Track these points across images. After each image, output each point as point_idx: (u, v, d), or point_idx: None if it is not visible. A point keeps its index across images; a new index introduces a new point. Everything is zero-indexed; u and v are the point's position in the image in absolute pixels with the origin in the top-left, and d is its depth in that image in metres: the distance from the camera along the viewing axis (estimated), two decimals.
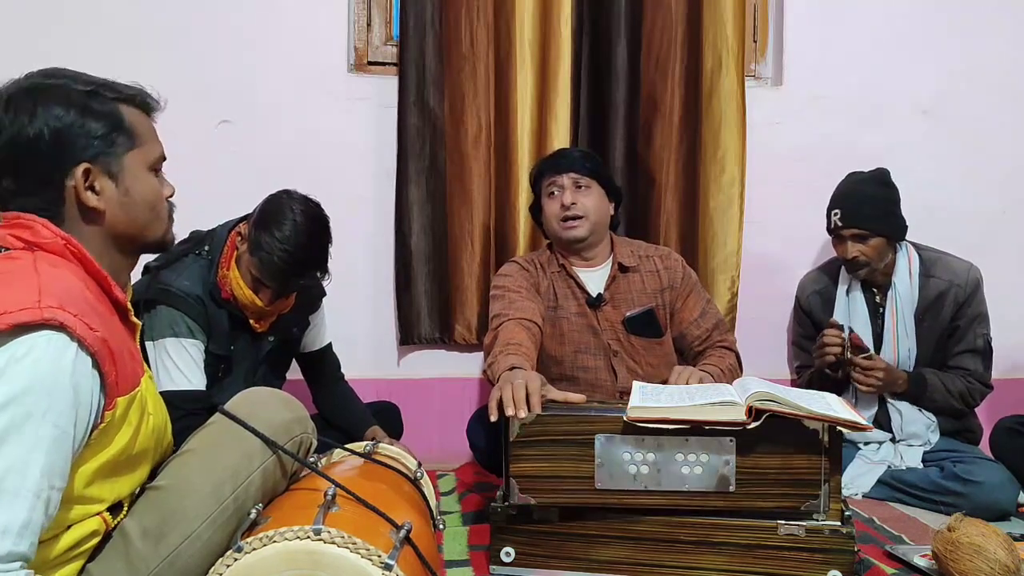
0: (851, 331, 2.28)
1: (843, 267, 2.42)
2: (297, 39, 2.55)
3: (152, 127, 1.26)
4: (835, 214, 2.34)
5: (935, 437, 2.30)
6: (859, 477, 2.27)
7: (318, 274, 1.97)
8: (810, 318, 2.53)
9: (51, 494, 1.01)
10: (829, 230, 2.38)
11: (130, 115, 1.21)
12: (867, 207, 2.30)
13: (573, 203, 2.14)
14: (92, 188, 1.17)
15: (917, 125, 2.76)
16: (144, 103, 1.25)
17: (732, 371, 2.10)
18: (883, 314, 2.37)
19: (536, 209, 2.29)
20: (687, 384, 1.84)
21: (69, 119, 1.14)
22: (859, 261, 2.31)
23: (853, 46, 2.75)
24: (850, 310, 2.40)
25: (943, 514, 2.01)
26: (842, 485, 1.59)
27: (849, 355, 2.26)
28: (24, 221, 1.14)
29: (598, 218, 2.18)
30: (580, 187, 2.16)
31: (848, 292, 2.41)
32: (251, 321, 1.99)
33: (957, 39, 2.77)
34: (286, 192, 1.96)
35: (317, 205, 1.96)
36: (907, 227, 2.36)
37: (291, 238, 1.87)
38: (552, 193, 2.18)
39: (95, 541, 1.16)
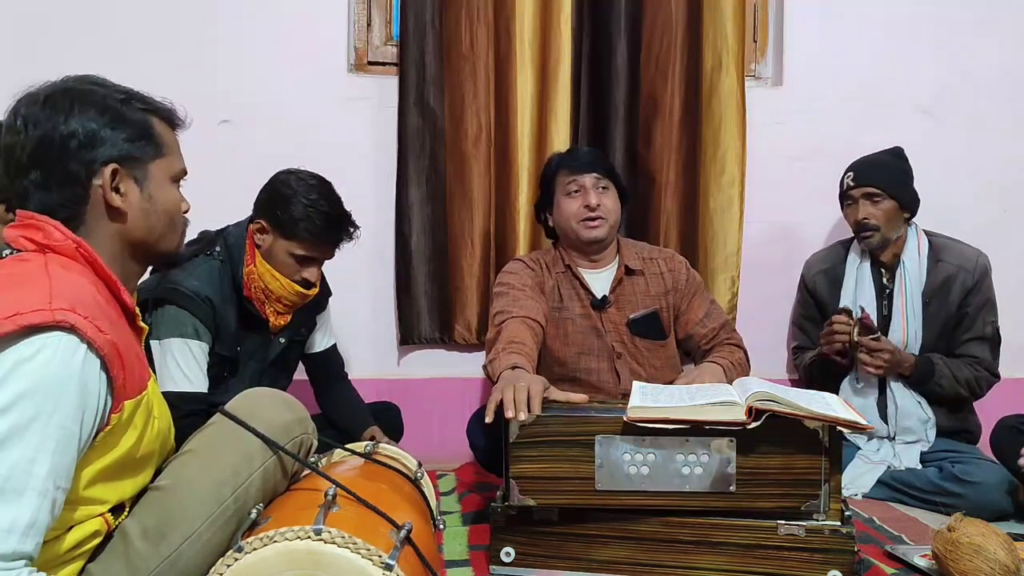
0: (863, 310, 2.28)
1: (852, 245, 2.42)
2: (297, 39, 2.55)
3: (177, 142, 1.30)
4: (848, 176, 2.36)
5: (932, 434, 2.30)
6: (859, 477, 2.27)
7: (352, 229, 2.00)
8: (814, 298, 2.53)
9: (56, 494, 1.01)
10: (841, 195, 2.38)
11: (158, 126, 1.25)
12: (880, 169, 2.33)
13: (599, 204, 2.13)
14: (117, 189, 1.19)
15: (917, 125, 2.76)
16: (171, 118, 1.28)
17: (741, 365, 2.10)
18: (890, 295, 2.37)
19: (543, 206, 2.28)
20: (697, 384, 1.84)
21: (103, 121, 1.18)
22: (868, 224, 2.31)
23: (853, 46, 2.75)
24: (857, 288, 2.40)
25: (943, 514, 2.01)
26: (842, 485, 1.59)
27: (857, 336, 2.24)
28: (36, 223, 1.15)
29: (615, 219, 2.19)
30: (600, 188, 2.16)
31: (857, 269, 2.41)
32: (271, 319, 2.01)
33: (957, 39, 2.77)
34: (281, 171, 1.99)
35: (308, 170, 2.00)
36: (919, 202, 2.36)
37: (320, 199, 1.93)
38: (573, 192, 2.17)
39: (96, 542, 1.16)
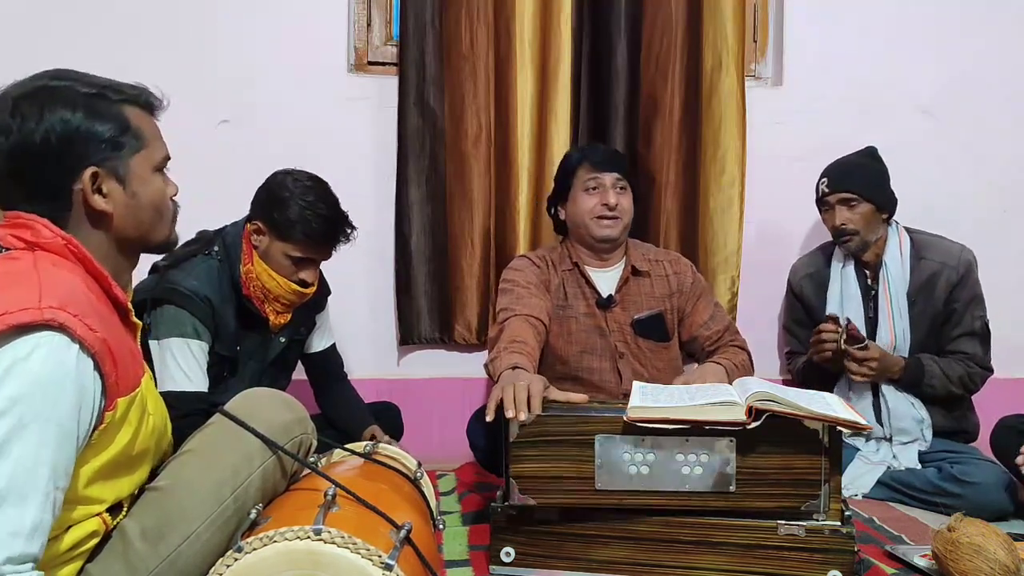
0: (848, 321, 2.28)
1: (835, 249, 2.43)
2: (297, 39, 2.55)
3: (156, 127, 1.26)
4: (822, 182, 2.37)
5: (929, 434, 2.30)
6: (859, 478, 2.27)
7: (349, 230, 2.00)
8: (801, 302, 2.53)
9: (57, 494, 1.01)
10: (817, 201, 2.39)
11: (135, 117, 1.21)
12: (854, 172, 2.33)
13: (616, 204, 2.14)
14: (99, 191, 1.17)
15: (917, 125, 2.76)
16: (148, 103, 1.24)
17: (744, 367, 2.10)
18: (875, 296, 2.37)
19: (556, 198, 2.27)
20: (698, 383, 1.84)
21: (76, 123, 1.14)
22: (846, 229, 2.31)
23: (853, 46, 2.75)
24: (843, 291, 2.40)
25: (943, 514, 2.01)
26: (842, 486, 1.59)
27: (844, 345, 2.25)
28: (25, 221, 1.14)
29: (629, 220, 2.20)
30: (619, 188, 2.17)
31: (841, 272, 2.41)
32: (271, 317, 2.00)
33: (957, 39, 2.77)
34: (278, 172, 1.99)
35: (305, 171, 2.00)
36: (897, 201, 2.36)
37: (317, 201, 1.92)
38: (592, 188, 2.17)
39: (94, 542, 1.16)
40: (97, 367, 1.07)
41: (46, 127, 1.12)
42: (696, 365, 2.24)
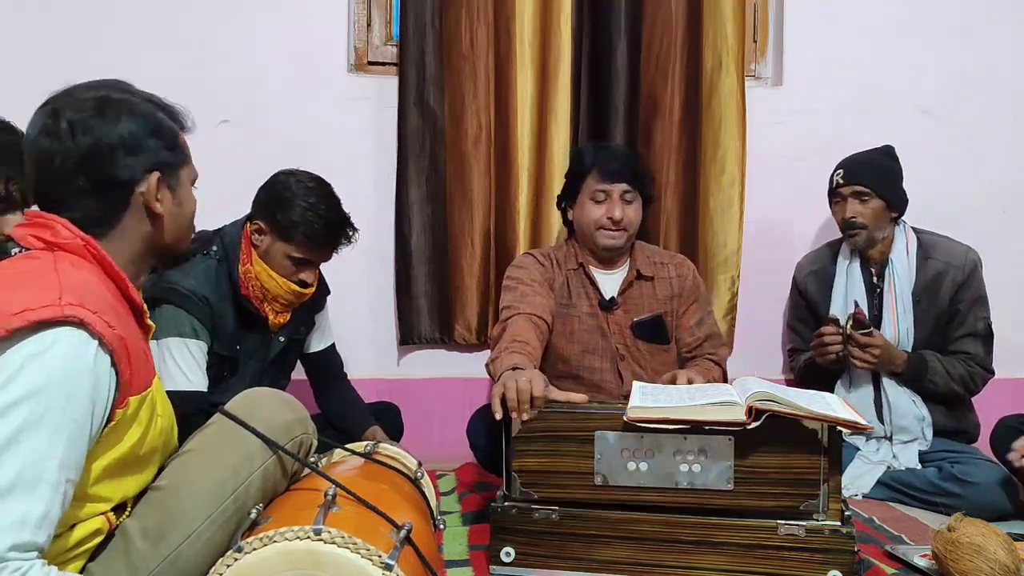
0: (856, 305, 2.28)
1: (841, 246, 2.43)
2: (297, 39, 2.55)
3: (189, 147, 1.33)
4: (837, 173, 2.37)
5: (929, 432, 2.30)
6: (859, 478, 2.27)
7: (351, 232, 2.00)
8: (805, 299, 2.54)
9: (67, 487, 1.02)
10: (829, 192, 2.40)
11: (180, 134, 1.29)
12: (870, 168, 2.34)
13: (622, 217, 2.14)
14: (156, 196, 1.22)
15: (917, 125, 2.77)
16: (183, 124, 1.31)
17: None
18: (880, 293, 2.38)
19: (565, 196, 2.26)
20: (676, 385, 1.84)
21: (146, 130, 1.21)
22: (856, 222, 2.32)
23: (853, 46, 2.75)
24: (848, 288, 2.40)
25: (943, 514, 2.01)
26: (842, 486, 1.59)
27: (850, 330, 2.25)
28: (45, 221, 1.16)
29: (635, 230, 2.20)
30: (626, 199, 2.16)
31: (847, 269, 2.41)
32: (270, 317, 2.00)
33: (957, 39, 2.77)
34: (281, 172, 1.99)
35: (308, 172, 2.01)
36: (907, 201, 2.37)
37: (319, 203, 1.93)
38: (599, 199, 2.16)
39: (97, 540, 1.16)
40: (114, 364, 1.09)
41: (124, 129, 1.18)
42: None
